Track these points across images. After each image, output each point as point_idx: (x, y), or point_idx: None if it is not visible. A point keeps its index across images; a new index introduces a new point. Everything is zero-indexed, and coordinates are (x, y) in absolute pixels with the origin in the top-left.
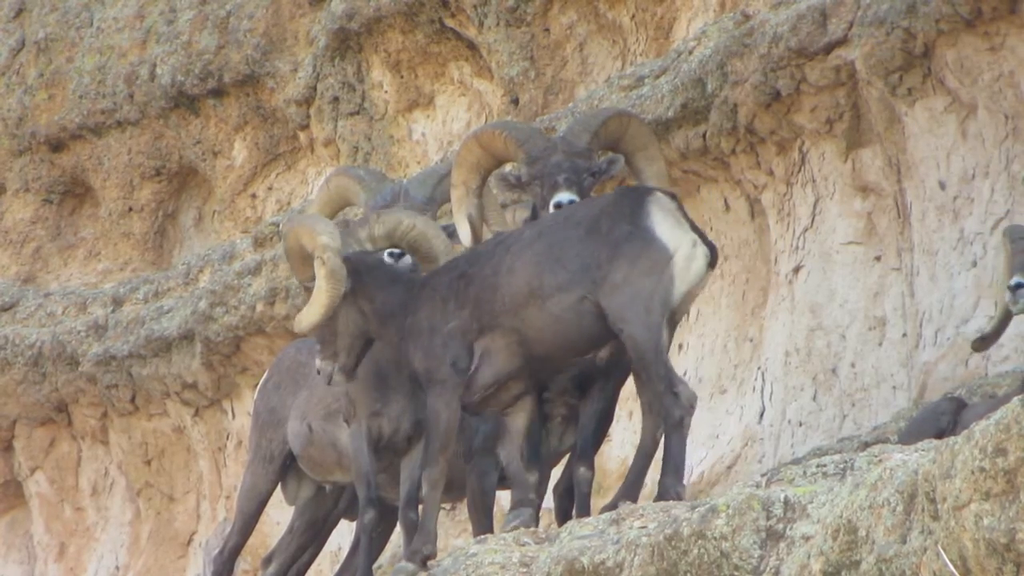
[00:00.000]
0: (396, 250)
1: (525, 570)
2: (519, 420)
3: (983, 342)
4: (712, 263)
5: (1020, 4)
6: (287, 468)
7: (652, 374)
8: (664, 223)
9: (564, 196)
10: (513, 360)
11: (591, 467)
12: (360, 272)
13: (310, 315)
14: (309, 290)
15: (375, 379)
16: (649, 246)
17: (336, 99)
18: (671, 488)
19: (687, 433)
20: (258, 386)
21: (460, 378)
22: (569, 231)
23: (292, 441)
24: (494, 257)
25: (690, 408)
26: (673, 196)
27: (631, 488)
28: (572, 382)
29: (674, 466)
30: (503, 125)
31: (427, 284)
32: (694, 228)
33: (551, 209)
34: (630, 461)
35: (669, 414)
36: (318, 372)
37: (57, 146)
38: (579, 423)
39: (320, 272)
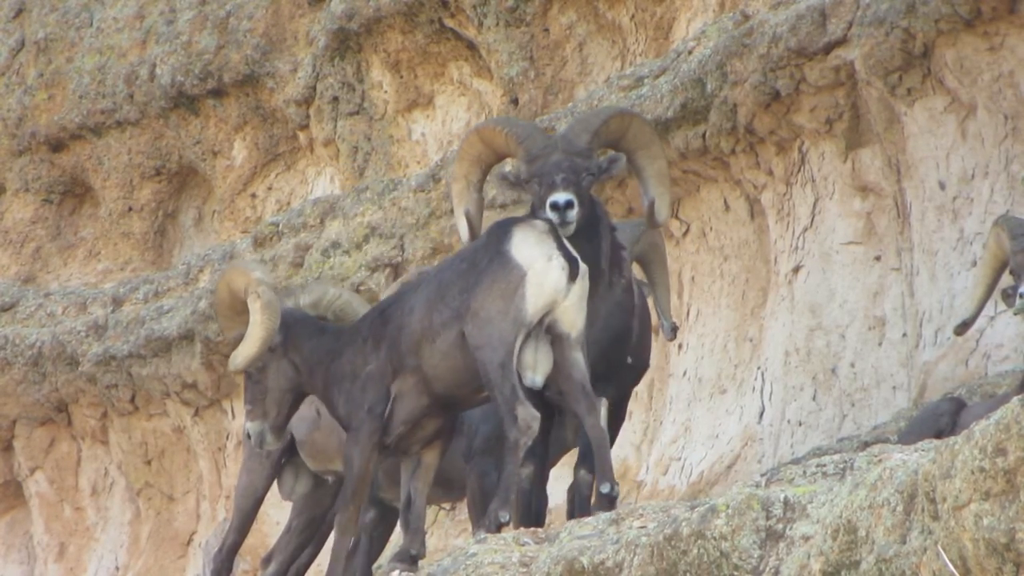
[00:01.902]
0: None
1: (525, 570)
2: (431, 456)
3: (964, 326)
4: (573, 275)
5: (1020, 4)
6: (283, 464)
7: (496, 394)
8: (523, 244)
9: (560, 196)
10: (421, 400)
11: (592, 470)
12: (289, 325)
13: (247, 350)
14: (237, 341)
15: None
16: (503, 268)
17: (336, 99)
18: (494, 512)
19: (520, 456)
20: None
21: (376, 424)
22: (455, 267)
23: (297, 426)
24: (409, 296)
25: (527, 430)
26: (549, 221)
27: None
28: None
29: (504, 490)
30: (504, 121)
31: (354, 327)
32: (561, 246)
33: (547, 209)
34: (630, 461)
35: (506, 436)
36: (247, 436)
37: (57, 146)
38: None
39: (255, 306)
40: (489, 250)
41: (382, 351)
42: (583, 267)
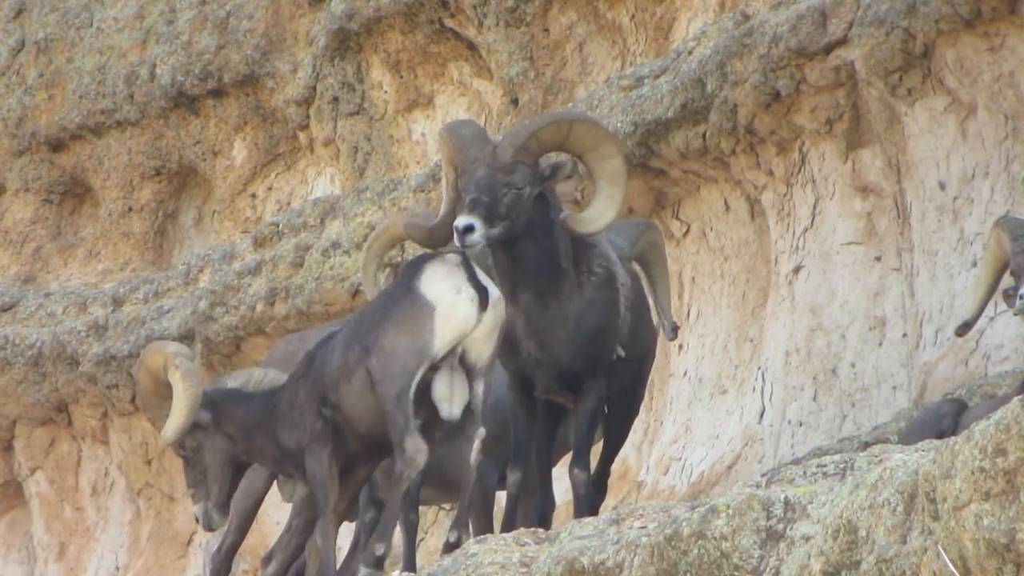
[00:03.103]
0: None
1: (525, 570)
2: (363, 472)
3: (965, 327)
4: (483, 304)
5: (1020, 4)
6: None
7: (391, 424)
8: (432, 279)
9: (461, 221)
10: (349, 443)
11: (585, 468)
12: (216, 401)
13: (175, 420)
14: (162, 420)
15: None
16: (412, 304)
17: (336, 99)
18: (371, 545)
19: (404, 488)
20: None
21: (325, 436)
22: (373, 305)
23: None
24: (334, 336)
25: (411, 462)
26: (462, 254)
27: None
28: (557, 382)
29: (384, 523)
30: (451, 128)
31: (288, 377)
32: (472, 277)
33: (454, 233)
34: (630, 461)
35: (394, 468)
36: (196, 520)
37: (57, 146)
38: (575, 424)
39: (176, 377)
40: (401, 287)
41: (310, 385)
42: (494, 296)
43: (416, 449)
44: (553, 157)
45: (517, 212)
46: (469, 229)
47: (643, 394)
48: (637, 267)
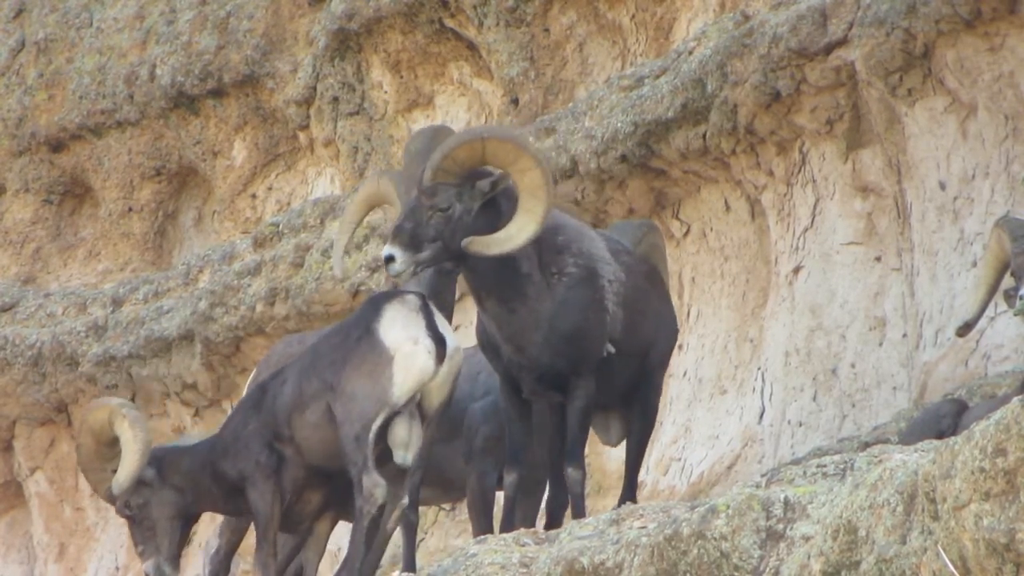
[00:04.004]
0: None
1: (525, 570)
2: (324, 527)
3: (966, 328)
4: (441, 356)
5: (1020, 4)
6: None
7: (349, 462)
8: (391, 325)
9: (384, 250)
10: (298, 471)
11: (579, 467)
12: (159, 457)
13: (126, 469)
14: (105, 481)
15: None
16: (371, 349)
17: (336, 99)
18: None
19: (367, 525)
20: (247, 383)
21: (269, 468)
22: (329, 339)
23: None
24: (286, 368)
25: (370, 498)
26: (420, 295)
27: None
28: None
29: (349, 558)
30: (411, 139)
31: (236, 406)
32: (430, 325)
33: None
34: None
35: (356, 504)
36: None
37: (57, 146)
38: (567, 423)
39: (123, 426)
40: (360, 326)
41: (261, 416)
42: (451, 347)
43: (374, 484)
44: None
45: (449, 231)
46: (390, 259)
47: (655, 388)
48: None
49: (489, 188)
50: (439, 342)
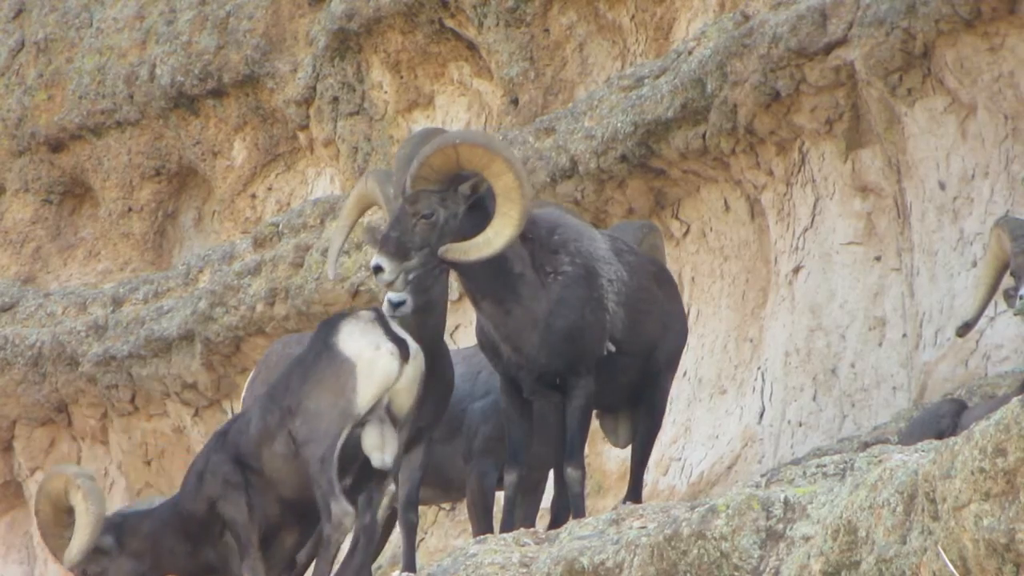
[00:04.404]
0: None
1: (525, 570)
2: (289, 541)
3: (966, 328)
4: (405, 356)
5: (1020, 4)
6: None
7: (315, 489)
8: (350, 336)
9: (372, 260)
10: (272, 507)
11: (578, 466)
12: (116, 524)
13: (79, 540)
14: (63, 547)
15: None
16: (332, 363)
17: (336, 99)
18: None
19: (334, 552)
20: (246, 383)
21: (238, 486)
22: (287, 369)
23: None
24: (248, 409)
25: (339, 526)
26: (375, 310)
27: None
28: (541, 383)
29: None
30: (402, 146)
31: (198, 455)
32: (388, 331)
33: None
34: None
35: (322, 530)
36: None
37: (57, 146)
38: (567, 423)
39: (78, 497)
40: (317, 346)
41: (228, 453)
42: (413, 348)
43: (343, 512)
44: None
45: (436, 237)
46: (378, 270)
47: (661, 390)
48: None
49: (469, 192)
50: (400, 344)
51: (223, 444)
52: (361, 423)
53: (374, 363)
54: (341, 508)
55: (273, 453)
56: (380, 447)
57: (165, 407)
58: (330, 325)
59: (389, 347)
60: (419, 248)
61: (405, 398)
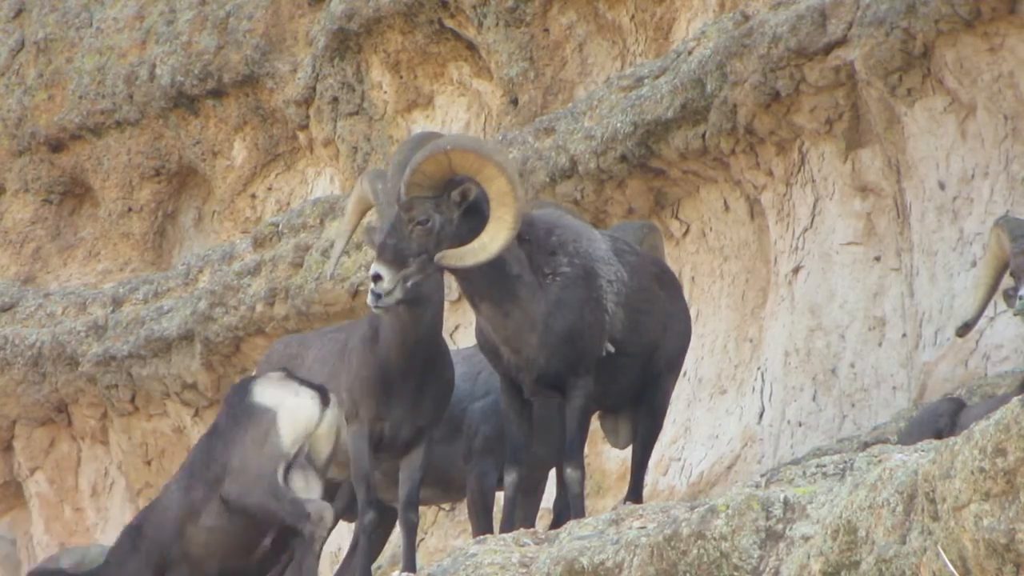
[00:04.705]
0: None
1: (525, 570)
2: None
3: (966, 328)
4: (325, 400)
5: (1020, 4)
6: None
7: (280, 520)
8: (265, 390)
9: (371, 268)
10: None
11: (577, 466)
12: None
13: None
14: None
15: (381, 384)
16: (251, 418)
17: (335, 99)
18: None
19: (319, 549)
20: None
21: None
22: (201, 445)
23: None
24: (160, 498)
25: (320, 521)
26: (284, 369)
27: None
28: (541, 384)
29: None
30: (397, 151)
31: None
32: (303, 382)
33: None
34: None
35: (302, 533)
36: None
37: (57, 146)
38: (566, 423)
39: None
40: (231, 411)
41: (143, 550)
42: (333, 396)
43: (323, 508)
44: None
45: (433, 243)
46: (377, 278)
47: (663, 391)
48: None
49: (459, 198)
50: (321, 391)
51: (137, 545)
52: (287, 469)
53: (296, 408)
54: (316, 506)
55: (199, 528)
56: (304, 491)
57: (165, 407)
58: (240, 388)
59: (309, 392)
60: (416, 255)
61: (324, 444)
